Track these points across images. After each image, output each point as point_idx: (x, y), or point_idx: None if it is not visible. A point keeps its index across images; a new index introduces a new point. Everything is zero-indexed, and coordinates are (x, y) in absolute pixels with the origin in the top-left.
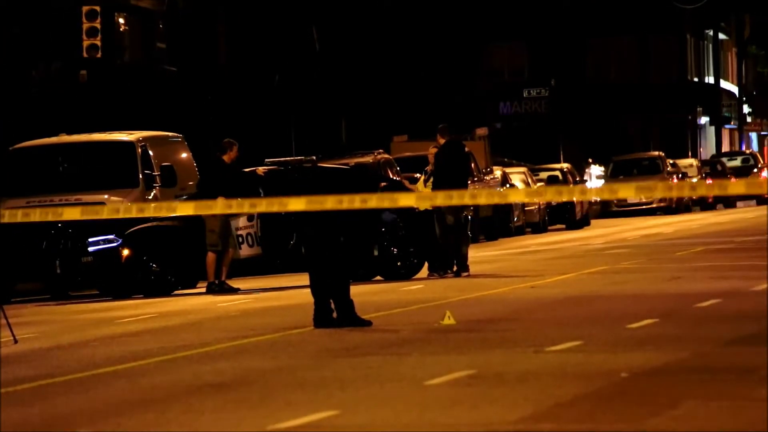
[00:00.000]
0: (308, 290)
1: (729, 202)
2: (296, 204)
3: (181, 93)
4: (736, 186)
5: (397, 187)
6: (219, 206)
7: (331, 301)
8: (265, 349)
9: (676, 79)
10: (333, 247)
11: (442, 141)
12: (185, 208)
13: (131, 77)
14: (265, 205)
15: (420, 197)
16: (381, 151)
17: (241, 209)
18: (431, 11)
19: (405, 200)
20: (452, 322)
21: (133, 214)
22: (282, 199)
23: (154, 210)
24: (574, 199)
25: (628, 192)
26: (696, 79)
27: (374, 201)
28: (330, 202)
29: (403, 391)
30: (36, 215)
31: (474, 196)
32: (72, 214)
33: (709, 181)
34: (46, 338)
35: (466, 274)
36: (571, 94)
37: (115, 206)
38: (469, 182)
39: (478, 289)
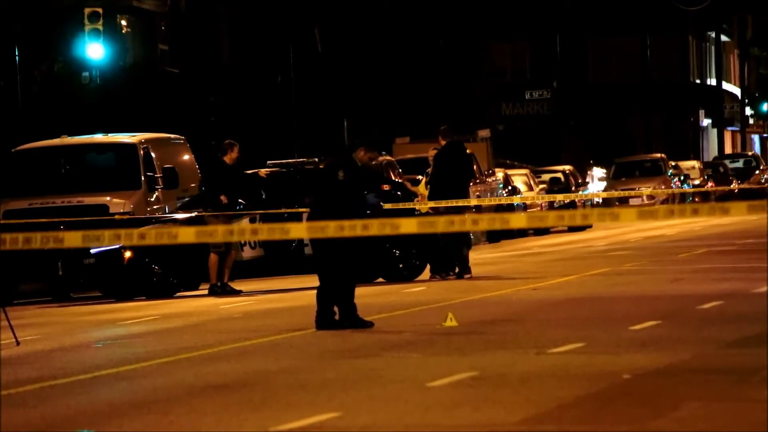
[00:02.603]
0: (310, 292)
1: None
2: (298, 230)
3: (183, 94)
4: (737, 208)
5: (399, 189)
6: (220, 233)
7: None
8: (267, 351)
9: (678, 80)
10: (341, 250)
11: (443, 142)
12: (187, 235)
13: (133, 79)
14: (267, 232)
15: (422, 224)
16: (383, 152)
17: (243, 237)
18: (433, 12)
19: (407, 227)
20: (454, 324)
21: (135, 242)
22: (284, 225)
23: (155, 237)
24: (576, 202)
25: (630, 217)
26: (698, 81)
27: (375, 227)
28: (331, 229)
29: (406, 392)
30: (37, 241)
31: (475, 222)
32: (73, 240)
33: (710, 184)
34: (48, 340)
35: (468, 275)
36: (573, 96)
37: (116, 233)
38: (471, 184)
39: (480, 290)
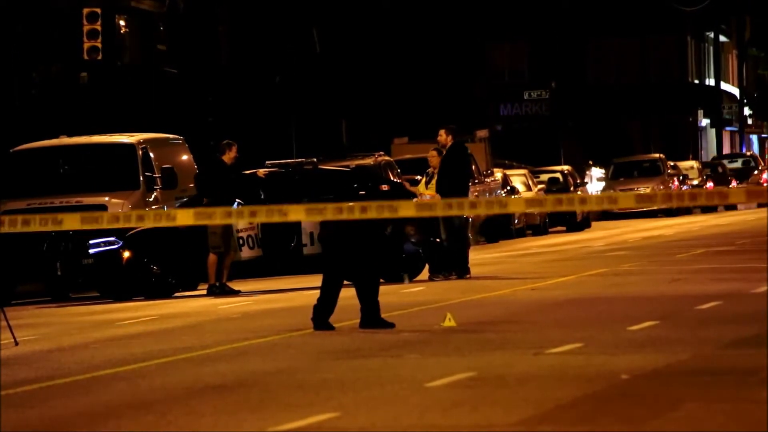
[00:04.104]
0: (309, 292)
1: (730, 203)
2: (296, 213)
3: (181, 94)
4: (736, 194)
5: (398, 190)
6: (218, 215)
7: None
8: (265, 352)
9: (676, 80)
10: (358, 250)
11: (449, 141)
12: (185, 217)
13: (132, 79)
14: (265, 215)
15: (420, 207)
16: (381, 153)
17: (241, 219)
18: (432, 13)
19: (405, 210)
20: (453, 324)
21: (133, 223)
22: (282, 207)
23: (153, 219)
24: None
25: (628, 202)
26: (696, 81)
27: (373, 210)
28: (329, 212)
29: (404, 393)
30: (36, 224)
31: (474, 205)
32: (72, 222)
33: (710, 184)
34: (46, 340)
35: (468, 276)
36: (571, 96)
37: (114, 214)
38: (470, 184)
39: (478, 291)
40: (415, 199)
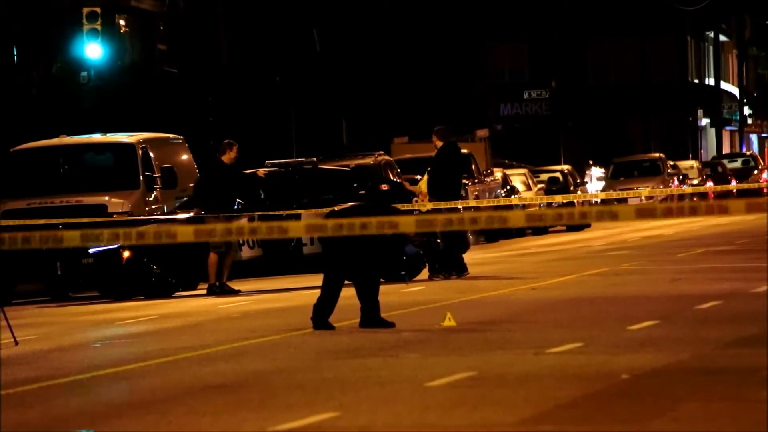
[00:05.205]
0: (308, 292)
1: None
2: (296, 230)
3: (181, 94)
4: (736, 206)
5: (398, 190)
6: (219, 231)
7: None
8: (265, 351)
9: (676, 80)
10: (358, 249)
11: (438, 143)
12: (185, 234)
13: (132, 78)
14: (265, 231)
15: (420, 223)
16: (381, 152)
17: (241, 236)
18: (432, 12)
19: (405, 225)
20: (453, 324)
21: (133, 241)
22: (281, 224)
23: (153, 237)
24: (575, 203)
25: (628, 215)
26: (696, 81)
27: (374, 226)
28: (330, 228)
29: (404, 392)
30: (36, 241)
31: (474, 221)
32: (72, 240)
33: (709, 183)
34: (46, 340)
35: (466, 273)
36: (571, 96)
37: (114, 231)
38: (469, 183)
39: (478, 290)
40: (415, 214)
